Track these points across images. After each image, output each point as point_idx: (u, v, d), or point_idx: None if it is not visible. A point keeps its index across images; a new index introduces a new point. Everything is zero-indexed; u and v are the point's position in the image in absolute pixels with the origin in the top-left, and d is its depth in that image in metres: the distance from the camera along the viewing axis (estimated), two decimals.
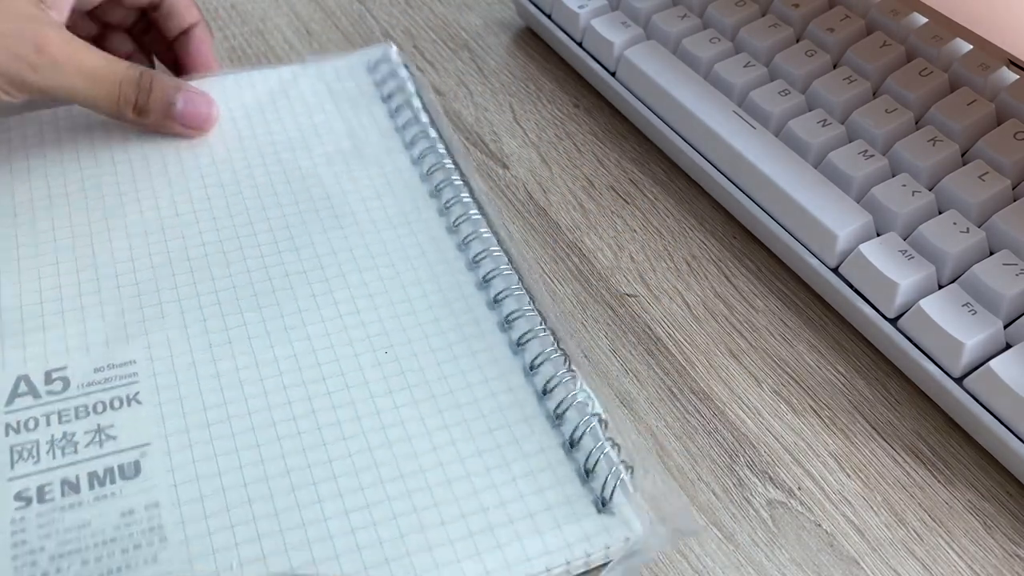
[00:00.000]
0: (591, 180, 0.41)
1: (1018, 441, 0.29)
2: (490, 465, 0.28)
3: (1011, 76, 0.37)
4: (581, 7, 0.44)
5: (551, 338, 0.31)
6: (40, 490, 0.26)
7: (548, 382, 0.30)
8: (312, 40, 0.47)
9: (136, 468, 0.26)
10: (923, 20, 0.40)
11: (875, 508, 0.30)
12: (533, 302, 0.32)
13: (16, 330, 0.30)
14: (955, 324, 0.31)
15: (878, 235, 0.34)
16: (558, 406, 0.29)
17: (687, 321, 0.35)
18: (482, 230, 0.34)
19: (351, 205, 0.36)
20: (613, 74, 0.43)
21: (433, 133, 0.38)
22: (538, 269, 0.35)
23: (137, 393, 0.28)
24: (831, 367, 0.34)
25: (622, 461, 0.28)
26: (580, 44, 0.45)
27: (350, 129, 0.39)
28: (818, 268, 0.35)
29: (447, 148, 0.38)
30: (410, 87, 0.41)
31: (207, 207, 0.35)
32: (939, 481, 0.31)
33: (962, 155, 0.36)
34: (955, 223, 0.33)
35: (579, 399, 0.29)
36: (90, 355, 0.29)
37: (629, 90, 0.42)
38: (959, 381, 0.31)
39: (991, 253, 0.33)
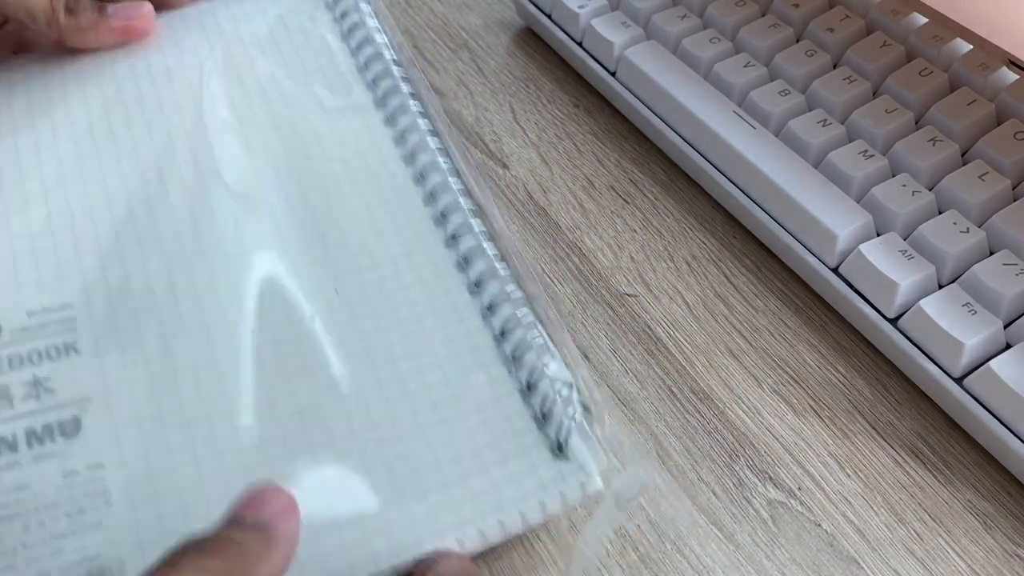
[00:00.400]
0: (591, 180, 0.41)
1: (1018, 441, 0.30)
2: (445, 416, 0.26)
3: (1011, 76, 0.37)
4: (581, 7, 0.44)
5: (510, 279, 0.29)
6: None
7: (506, 324, 0.28)
8: None
9: (76, 425, 0.25)
10: (923, 20, 0.40)
11: (875, 508, 0.30)
12: (495, 243, 0.30)
13: None
14: (955, 324, 0.31)
15: (878, 235, 0.34)
16: (515, 349, 0.28)
17: (687, 321, 0.35)
18: (441, 160, 0.32)
19: (307, 130, 0.33)
20: (613, 74, 0.43)
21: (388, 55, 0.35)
22: (513, 236, 0.33)
23: (76, 341, 0.26)
24: (831, 367, 0.34)
25: (581, 403, 0.27)
26: (580, 44, 0.45)
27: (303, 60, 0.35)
28: (818, 268, 0.35)
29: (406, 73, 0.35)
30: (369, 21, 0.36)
31: (146, 141, 0.31)
32: (939, 481, 0.31)
33: (962, 155, 0.36)
34: (955, 223, 0.33)
35: (537, 342, 0.28)
36: (22, 297, 0.27)
37: (629, 90, 0.42)
38: (959, 381, 0.31)
39: (991, 253, 0.33)
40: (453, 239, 0.30)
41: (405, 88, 0.34)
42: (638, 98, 0.42)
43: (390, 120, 0.33)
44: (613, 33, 0.43)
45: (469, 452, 0.26)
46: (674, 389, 0.33)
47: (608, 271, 0.37)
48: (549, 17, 0.46)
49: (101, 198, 0.30)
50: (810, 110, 0.38)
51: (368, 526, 0.24)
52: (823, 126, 0.37)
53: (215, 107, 0.33)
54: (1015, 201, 0.34)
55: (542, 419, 0.26)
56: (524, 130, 0.43)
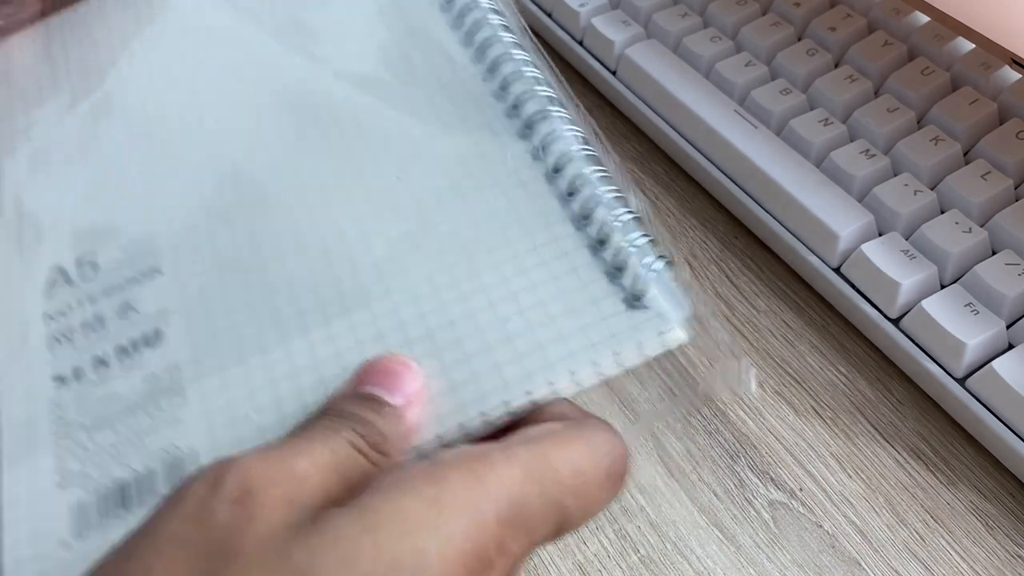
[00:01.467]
0: None
1: (1020, 442, 0.29)
2: (507, 275, 0.26)
3: (1013, 75, 0.37)
4: (582, 5, 0.44)
5: (578, 140, 0.29)
6: (75, 370, 0.27)
7: (573, 182, 0.28)
8: None
9: (158, 335, 0.27)
10: (925, 19, 0.40)
11: (877, 509, 0.30)
12: (561, 107, 0.30)
13: (46, 222, 0.30)
14: (957, 324, 0.31)
15: (880, 235, 0.34)
16: (583, 205, 0.27)
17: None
18: (506, 39, 0.32)
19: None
20: (614, 73, 0.43)
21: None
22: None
23: (159, 264, 0.29)
24: (833, 367, 0.34)
25: (659, 255, 0.26)
26: (580, 43, 0.45)
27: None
28: (820, 268, 0.35)
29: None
30: None
31: (233, 92, 0.34)
32: (941, 482, 0.31)
33: (964, 154, 0.36)
34: (957, 223, 0.33)
35: (608, 197, 0.27)
36: (115, 234, 0.30)
37: (630, 89, 0.42)
38: (961, 381, 0.31)
39: (993, 253, 0.33)
40: (515, 108, 0.30)
41: None
42: (639, 97, 0.42)
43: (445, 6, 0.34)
44: (613, 32, 0.43)
45: (532, 305, 0.26)
46: (675, 390, 0.33)
47: None
48: (549, 16, 0.46)
49: (178, 137, 0.32)
50: (811, 109, 0.38)
51: (433, 386, 0.25)
52: (824, 125, 0.37)
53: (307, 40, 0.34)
54: (1017, 201, 0.34)
55: (615, 272, 0.26)
56: None
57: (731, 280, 0.37)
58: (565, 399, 0.24)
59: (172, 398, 0.26)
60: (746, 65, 0.40)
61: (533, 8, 0.47)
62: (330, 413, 0.21)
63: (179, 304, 0.28)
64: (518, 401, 0.24)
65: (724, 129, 0.38)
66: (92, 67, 0.35)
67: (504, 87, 0.31)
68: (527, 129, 0.30)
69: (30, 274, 0.30)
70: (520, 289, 0.26)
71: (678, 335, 0.25)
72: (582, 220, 0.27)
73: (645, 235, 0.26)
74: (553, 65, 0.32)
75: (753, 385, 0.25)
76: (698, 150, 0.39)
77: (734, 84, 0.39)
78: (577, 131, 0.29)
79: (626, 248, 0.26)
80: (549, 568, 0.27)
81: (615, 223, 0.26)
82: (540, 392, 0.24)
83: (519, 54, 0.32)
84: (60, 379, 0.27)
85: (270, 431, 0.25)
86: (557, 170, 0.29)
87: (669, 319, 0.25)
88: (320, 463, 0.19)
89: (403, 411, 0.22)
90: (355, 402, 0.22)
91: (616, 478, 0.21)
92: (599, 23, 0.43)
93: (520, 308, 0.26)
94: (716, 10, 0.43)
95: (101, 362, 0.27)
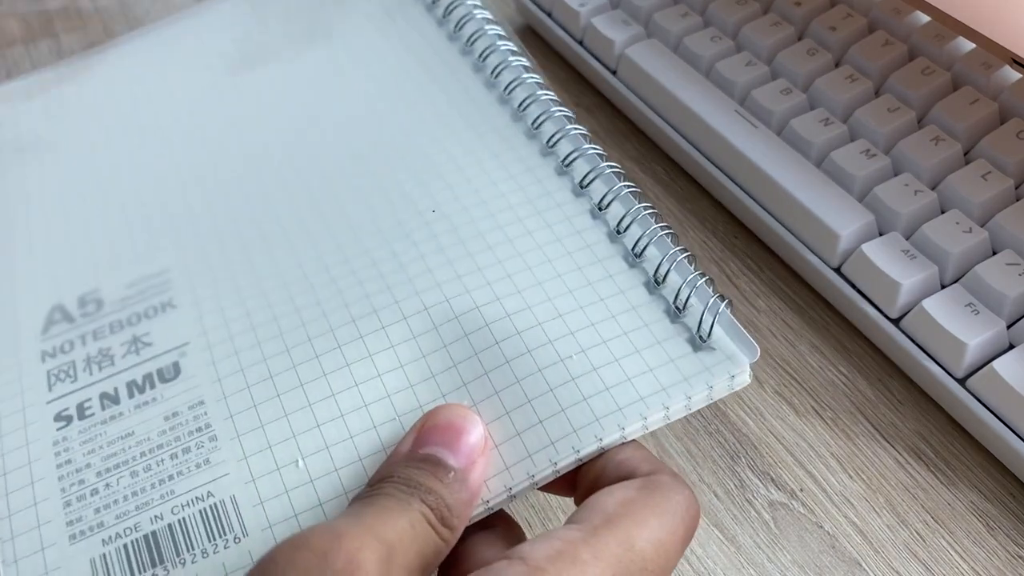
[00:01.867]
0: None
1: (1021, 442, 0.29)
2: (562, 311, 0.25)
3: (1014, 75, 0.37)
4: (582, 5, 0.44)
5: (619, 177, 0.28)
6: (80, 407, 0.25)
7: (620, 221, 0.27)
8: None
9: (176, 369, 0.25)
10: (925, 19, 0.40)
11: (877, 509, 0.30)
12: (592, 144, 0.30)
13: (45, 259, 0.29)
14: (958, 324, 0.31)
15: (880, 235, 0.34)
16: (635, 244, 0.27)
17: None
18: (525, 76, 0.32)
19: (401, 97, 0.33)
20: (614, 73, 0.43)
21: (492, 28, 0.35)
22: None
23: (171, 299, 0.27)
24: (833, 368, 0.34)
25: (718, 295, 0.25)
26: (581, 43, 0.45)
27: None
28: (820, 268, 0.35)
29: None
30: None
31: (243, 118, 0.33)
32: (942, 482, 0.30)
33: (965, 154, 0.36)
34: (958, 223, 0.33)
35: (659, 234, 0.26)
36: (121, 271, 0.28)
37: (630, 89, 0.42)
38: (962, 382, 0.31)
39: (994, 253, 0.33)
40: (550, 146, 0.30)
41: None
42: (639, 97, 0.42)
43: (454, 35, 0.34)
44: (614, 31, 0.43)
45: (593, 344, 0.24)
46: None
47: None
48: (549, 15, 0.46)
49: (195, 164, 0.31)
50: (812, 109, 0.38)
51: (505, 431, 0.23)
52: (825, 125, 0.37)
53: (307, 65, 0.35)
54: (1018, 200, 0.34)
55: (676, 312, 0.25)
56: None
57: (731, 280, 0.36)
58: (633, 440, 0.23)
59: (199, 438, 0.24)
60: (746, 65, 0.40)
61: (533, 8, 0.47)
62: (397, 481, 0.21)
63: (197, 336, 0.26)
64: (588, 448, 0.23)
65: (724, 129, 0.38)
66: (88, 104, 0.35)
67: (536, 125, 0.31)
68: (565, 166, 0.29)
69: (26, 313, 0.28)
70: (578, 327, 0.25)
71: (746, 375, 0.24)
72: (635, 258, 0.27)
73: (702, 274, 0.26)
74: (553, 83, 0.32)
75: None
76: (698, 150, 0.39)
77: (734, 84, 0.39)
78: (617, 168, 0.29)
79: (686, 287, 0.25)
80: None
81: (671, 262, 0.26)
82: (611, 438, 0.23)
83: (544, 94, 0.31)
84: (62, 418, 0.25)
85: (321, 482, 0.23)
86: (602, 207, 0.28)
87: (740, 361, 0.24)
88: (403, 536, 0.19)
89: (466, 473, 0.21)
90: (419, 468, 0.21)
91: (691, 536, 0.21)
92: (599, 23, 0.43)
93: (580, 347, 0.24)
94: (716, 10, 0.42)
95: (110, 398, 0.25)
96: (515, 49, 0.33)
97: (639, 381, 0.24)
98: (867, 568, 0.28)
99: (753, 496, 0.30)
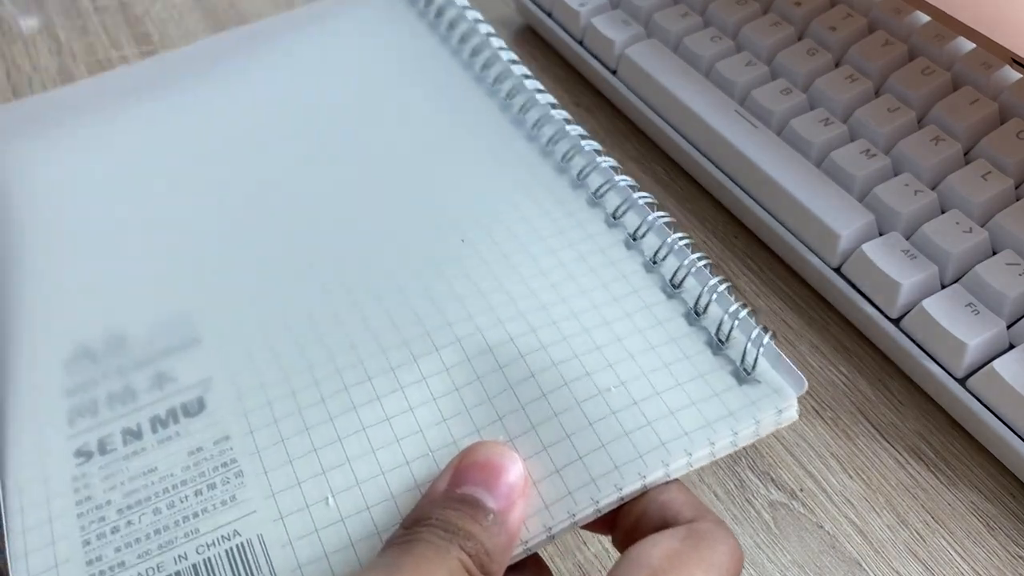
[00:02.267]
0: None
1: (1021, 442, 0.29)
2: (600, 343, 0.24)
3: (1014, 75, 0.37)
4: (582, 5, 0.44)
5: (652, 208, 0.28)
6: (101, 442, 0.24)
7: (656, 252, 0.27)
8: None
9: (200, 404, 0.25)
10: (925, 19, 0.40)
11: (877, 509, 0.30)
12: (623, 175, 0.29)
13: (71, 295, 0.29)
14: (958, 324, 0.31)
15: (880, 235, 0.34)
16: (673, 276, 0.26)
17: None
18: (552, 112, 0.32)
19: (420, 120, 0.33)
20: (614, 73, 0.43)
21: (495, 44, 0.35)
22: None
23: (196, 335, 0.27)
24: (833, 368, 0.34)
25: (761, 326, 0.24)
26: (581, 43, 0.45)
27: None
28: (820, 268, 0.35)
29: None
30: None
31: (259, 147, 0.33)
32: (942, 482, 0.30)
33: (965, 154, 0.36)
34: (958, 223, 0.33)
35: (698, 265, 0.26)
36: (146, 310, 0.28)
37: (630, 89, 0.42)
38: (962, 382, 0.31)
39: (994, 253, 0.33)
40: (580, 177, 0.29)
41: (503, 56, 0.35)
42: (639, 97, 0.42)
43: (480, 78, 0.34)
44: (614, 31, 0.43)
45: (632, 377, 0.24)
46: None
47: None
48: (549, 15, 0.46)
49: (214, 198, 0.31)
50: (812, 109, 0.38)
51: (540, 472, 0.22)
52: (825, 125, 0.37)
53: (321, 96, 0.35)
54: (1018, 200, 0.34)
55: (718, 344, 0.24)
56: None
57: (731, 280, 0.36)
58: (676, 480, 0.22)
59: (225, 474, 0.23)
60: (746, 65, 0.40)
61: (533, 8, 0.47)
62: (434, 525, 0.20)
63: (222, 370, 0.25)
64: (631, 486, 0.22)
65: (724, 129, 0.38)
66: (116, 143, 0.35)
67: (566, 159, 0.30)
68: (598, 198, 0.29)
69: (50, 348, 0.27)
70: (617, 359, 0.24)
71: (793, 409, 0.23)
72: (673, 288, 0.26)
73: (744, 305, 0.25)
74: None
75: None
76: (698, 150, 0.39)
77: (734, 84, 0.39)
78: (649, 199, 0.28)
79: (728, 319, 0.24)
80: (550, 568, 0.27)
81: (712, 293, 0.25)
82: (654, 475, 0.22)
83: (573, 129, 0.31)
84: (83, 453, 0.24)
85: (353, 520, 0.22)
86: (636, 238, 0.27)
87: (787, 395, 0.23)
88: None
89: (505, 515, 0.20)
90: (456, 511, 0.20)
91: None
92: (599, 23, 0.43)
93: (620, 379, 0.24)
94: (716, 10, 0.42)
95: (132, 433, 0.24)
96: (541, 88, 0.33)
97: (682, 415, 0.23)
98: (867, 568, 0.28)
99: (753, 496, 0.30)
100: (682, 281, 0.26)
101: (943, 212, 0.34)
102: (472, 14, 0.36)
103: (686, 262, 0.26)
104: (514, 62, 0.34)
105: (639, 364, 0.24)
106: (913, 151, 0.35)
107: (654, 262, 0.27)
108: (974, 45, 0.39)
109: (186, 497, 0.23)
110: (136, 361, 0.26)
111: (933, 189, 0.35)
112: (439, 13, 0.37)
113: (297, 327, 0.26)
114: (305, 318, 0.26)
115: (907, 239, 0.34)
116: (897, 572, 0.28)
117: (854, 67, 0.39)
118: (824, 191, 0.35)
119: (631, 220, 0.28)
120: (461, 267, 0.27)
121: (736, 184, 0.38)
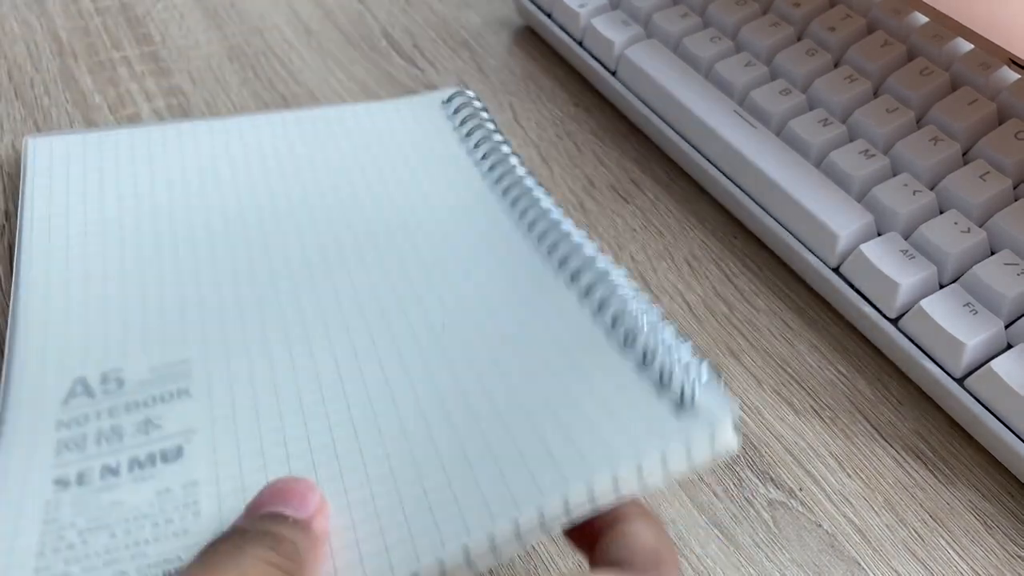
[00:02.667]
0: (591, 179, 0.40)
1: (1019, 441, 0.29)
2: (532, 369, 0.26)
3: (1012, 75, 0.37)
4: (581, 6, 0.44)
5: (600, 260, 0.29)
6: (80, 475, 0.26)
7: (603, 300, 0.28)
8: (311, 39, 0.47)
9: (178, 452, 0.27)
10: (924, 19, 0.40)
11: (876, 508, 0.30)
12: (580, 245, 0.31)
13: (76, 331, 0.30)
14: (956, 324, 0.31)
15: (879, 235, 0.34)
16: (614, 324, 0.27)
17: (688, 320, 0.35)
18: (526, 183, 0.34)
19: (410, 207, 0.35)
20: (614, 73, 0.43)
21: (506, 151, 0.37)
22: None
23: (188, 387, 0.29)
24: (832, 367, 0.34)
25: (699, 359, 0.25)
26: (580, 43, 0.45)
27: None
28: (819, 268, 0.35)
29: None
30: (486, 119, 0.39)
31: (269, 209, 0.35)
32: (940, 481, 0.31)
33: (963, 154, 0.36)
34: (956, 223, 0.33)
35: (635, 304, 0.27)
36: (147, 355, 0.30)
37: (629, 89, 0.42)
38: (960, 381, 0.31)
39: (992, 253, 0.33)
40: (554, 256, 0.31)
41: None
42: (638, 97, 0.42)
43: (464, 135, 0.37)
44: (613, 32, 0.43)
45: (567, 404, 0.25)
46: None
47: None
48: (549, 16, 0.46)
49: (226, 256, 0.33)
50: (811, 109, 0.38)
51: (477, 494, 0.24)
52: (824, 125, 0.37)
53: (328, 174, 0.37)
54: (1016, 201, 0.34)
55: (660, 381, 0.25)
56: (524, 129, 0.43)
57: (731, 280, 0.37)
58: (633, 499, 0.23)
59: (184, 512, 0.25)
60: (746, 65, 0.40)
61: (533, 9, 0.47)
62: (233, 534, 0.21)
63: (206, 425, 0.27)
64: (551, 509, 0.23)
65: (724, 129, 0.38)
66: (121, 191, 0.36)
67: (543, 240, 0.31)
68: (565, 269, 0.30)
69: (52, 380, 0.29)
70: (553, 389, 0.26)
71: (729, 440, 0.24)
72: (626, 341, 0.27)
73: (682, 337, 0.26)
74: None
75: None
76: (698, 150, 0.39)
77: (734, 84, 0.39)
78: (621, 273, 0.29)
79: (663, 351, 0.25)
80: (549, 568, 0.27)
81: (657, 338, 0.26)
82: (576, 502, 0.23)
83: (563, 221, 0.32)
84: (61, 483, 0.26)
85: None
86: (589, 292, 0.29)
87: (721, 422, 0.24)
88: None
89: (307, 522, 0.22)
90: (258, 519, 0.22)
91: None
92: (599, 23, 0.43)
93: (554, 409, 0.25)
94: (716, 10, 0.43)
95: (110, 471, 0.26)
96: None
97: (613, 441, 0.24)
98: (866, 567, 0.28)
99: (752, 495, 0.30)
100: (635, 338, 0.27)
101: (941, 212, 0.34)
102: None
103: (631, 309, 0.27)
104: (538, 188, 0.35)
105: (571, 394, 0.26)
106: (912, 151, 0.35)
107: (613, 325, 0.28)
108: (972, 46, 0.39)
109: (143, 527, 0.25)
110: (128, 404, 0.28)
111: (932, 189, 0.35)
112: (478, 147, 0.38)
113: (286, 400, 0.28)
114: (293, 395, 0.28)
115: (906, 239, 0.34)
116: (895, 571, 0.28)
117: (853, 67, 0.39)
118: (823, 191, 0.35)
119: (572, 265, 0.30)
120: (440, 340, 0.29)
121: (735, 184, 0.38)
